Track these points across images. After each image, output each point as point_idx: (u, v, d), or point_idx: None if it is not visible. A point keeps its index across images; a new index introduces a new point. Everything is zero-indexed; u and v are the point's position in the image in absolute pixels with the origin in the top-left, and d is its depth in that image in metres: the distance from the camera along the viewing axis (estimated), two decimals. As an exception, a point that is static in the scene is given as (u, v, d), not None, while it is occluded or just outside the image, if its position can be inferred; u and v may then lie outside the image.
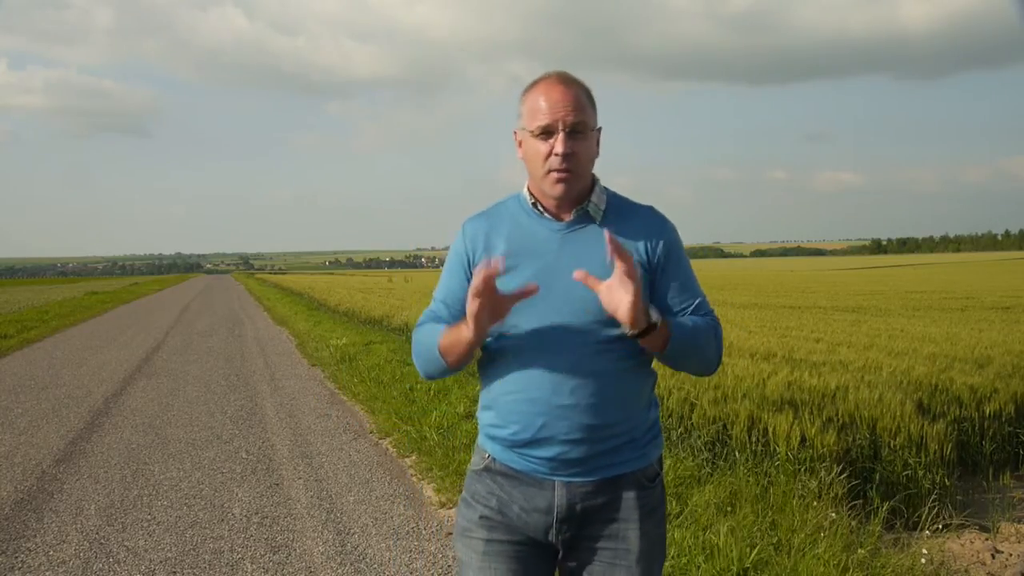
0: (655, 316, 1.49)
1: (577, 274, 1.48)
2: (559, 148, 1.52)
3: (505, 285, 1.52)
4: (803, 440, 4.24)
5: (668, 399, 5.04)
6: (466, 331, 1.51)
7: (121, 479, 4.91)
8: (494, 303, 1.47)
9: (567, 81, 1.56)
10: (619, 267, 1.44)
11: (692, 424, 4.81)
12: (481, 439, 1.71)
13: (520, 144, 1.62)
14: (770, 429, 4.37)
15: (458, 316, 1.62)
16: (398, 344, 10.74)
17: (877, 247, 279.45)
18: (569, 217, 1.60)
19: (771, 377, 5.31)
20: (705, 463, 4.48)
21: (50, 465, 5.27)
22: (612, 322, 1.52)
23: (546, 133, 1.54)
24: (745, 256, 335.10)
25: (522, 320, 1.56)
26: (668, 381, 5.27)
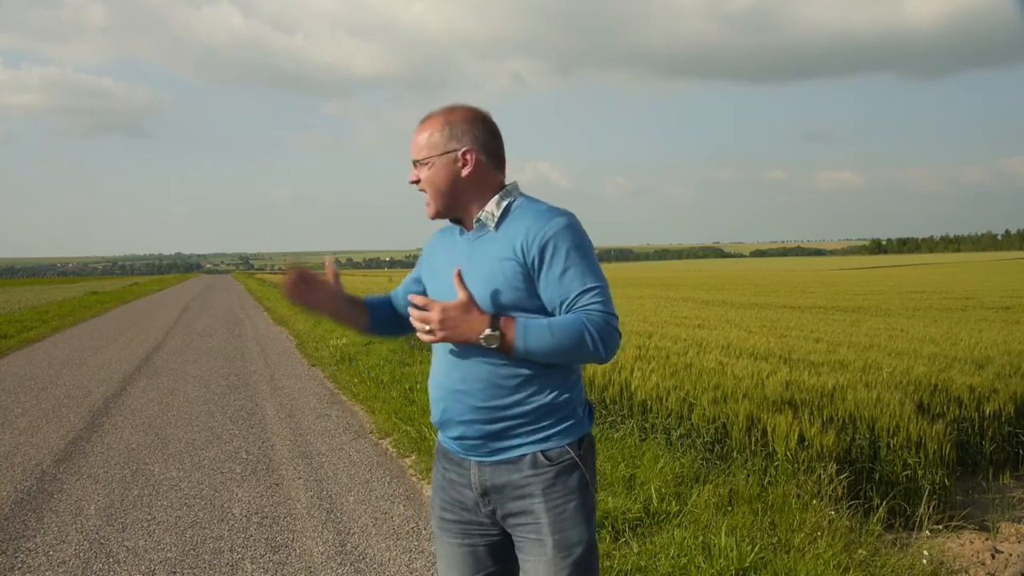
0: (487, 331, 1.69)
1: (454, 273, 1.73)
2: (410, 178, 1.86)
3: (435, 283, 1.91)
4: (802, 440, 4.24)
5: (667, 399, 5.05)
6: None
7: (121, 479, 4.91)
8: (311, 292, 1.91)
9: (421, 123, 1.85)
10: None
11: (692, 424, 4.81)
12: None
13: None
14: (770, 429, 4.37)
15: (402, 295, 2.03)
16: (398, 344, 10.73)
17: (877, 247, 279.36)
18: (473, 229, 1.88)
19: (770, 377, 5.31)
20: (704, 463, 4.48)
21: (50, 465, 5.27)
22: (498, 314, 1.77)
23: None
24: (745, 256, 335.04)
25: None
26: (667, 381, 5.27)
